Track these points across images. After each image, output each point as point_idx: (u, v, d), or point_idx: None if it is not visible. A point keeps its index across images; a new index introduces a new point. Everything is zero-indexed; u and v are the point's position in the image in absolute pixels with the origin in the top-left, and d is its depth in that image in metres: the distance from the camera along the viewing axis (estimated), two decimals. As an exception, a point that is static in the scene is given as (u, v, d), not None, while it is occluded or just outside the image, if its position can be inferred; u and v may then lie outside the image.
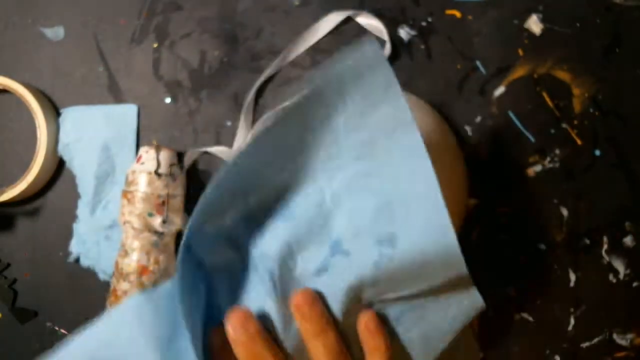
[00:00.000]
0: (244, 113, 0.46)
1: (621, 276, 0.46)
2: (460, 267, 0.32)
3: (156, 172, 0.43)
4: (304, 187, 0.34)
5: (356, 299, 0.34)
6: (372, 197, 0.33)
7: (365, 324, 0.34)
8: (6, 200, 0.46)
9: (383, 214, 0.33)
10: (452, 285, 0.34)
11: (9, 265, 0.48)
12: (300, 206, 0.34)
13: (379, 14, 0.46)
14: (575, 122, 0.47)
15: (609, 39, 0.46)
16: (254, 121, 0.47)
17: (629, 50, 0.46)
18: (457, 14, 0.46)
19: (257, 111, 0.47)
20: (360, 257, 0.33)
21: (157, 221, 0.43)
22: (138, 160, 0.44)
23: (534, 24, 0.46)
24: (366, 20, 0.47)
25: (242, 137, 0.47)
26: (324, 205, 0.34)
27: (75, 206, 0.48)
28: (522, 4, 0.46)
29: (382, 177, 0.34)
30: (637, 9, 0.46)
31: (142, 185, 0.43)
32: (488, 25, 0.46)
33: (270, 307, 0.33)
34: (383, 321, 0.34)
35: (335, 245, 0.34)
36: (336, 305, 0.33)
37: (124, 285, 0.43)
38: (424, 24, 0.46)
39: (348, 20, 0.47)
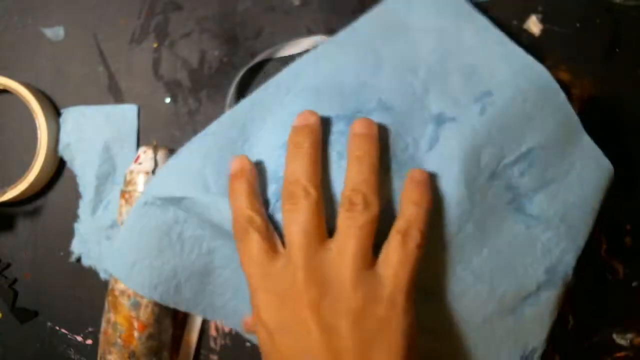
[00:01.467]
0: (227, 108, 0.46)
1: (620, 276, 0.46)
2: (561, 102, 0.38)
3: (154, 172, 0.43)
4: (393, 83, 0.39)
5: (476, 168, 0.36)
6: (457, 71, 0.39)
7: (411, 174, 0.35)
8: (7, 200, 0.46)
9: (472, 78, 0.38)
10: (566, 142, 0.38)
11: (9, 265, 0.49)
12: (395, 98, 0.38)
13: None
14: (575, 122, 0.47)
15: (609, 39, 0.46)
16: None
17: (629, 50, 0.46)
18: (457, 14, 0.46)
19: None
20: (466, 115, 0.37)
21: (156, 221, 0.43)
22: (136, 160, 0.44)
23: (533, 25, 0.46)
24: None
25: None
26: (416, 94, 0.38)
27: (75, 206, 0.48)
28: (521, 4, 0.46)
29: (459, 53, 0.39)
30: (637, 9, 0.46)
31: (140, 185, 0.43)
32: (488, 26, 0.46)
33: None
34: (519, 210, 0.37)
35: (439, 117, 0.37)
36: (455, 177, 0.36)
37: (121, 285, 0.43)
38: (423, 24, 0.47)
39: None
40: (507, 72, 0.39)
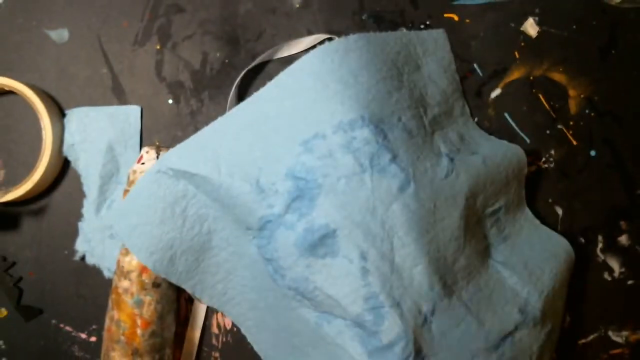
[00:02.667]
0: (228, 109, 0.47)
1: (616, 274, 0.47)
2: (519, 154, 0.43)
3: (158, 172, 0.43)
4: (410, 111, 0.41)
5: (472, 208, 0.41)
6: (454, 131, 0.44)
7: None
8: (12, 200, 0.46)
9: (464, 141, 0.44)
10: (517, 209, 0.45)
11: (14, 263, 0.49)
12: (412, 124, 0.41)
13: (378, 17, 0.47)
14: (571, 123, 0.47)
15: (605, 40, 0.47)
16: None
17: (624, 51, 0.47)
18: (455, 17, 0.47)
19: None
20: (471, 161, 0.41)
21: (159, 220, 0.43)
22: (139, 160, 0.44)
23: (530, 27, 0.46)
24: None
25: None
26: (426, 129, 0.41)
27: (79, 205, 0.48)
28: (519, 7, 0.46)
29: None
30: (633, 11, 0.46)
31: (145, 185, 0.43)
32: (485, 29, 0.47)
33: None
34: (490, 256, 0.42)
35: (450, 154, 0.41)
36: (459, 211, 0.39)
37: (124, 283, 0.43)
38: (422, 26, 0.47)
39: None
40: (489, 145, 0.45)
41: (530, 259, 0.42)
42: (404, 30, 0.47)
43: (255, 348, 0.45)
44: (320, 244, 0.37)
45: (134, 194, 0.41)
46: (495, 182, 0.42)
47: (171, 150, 0.41)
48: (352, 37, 0.40)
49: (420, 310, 0.37)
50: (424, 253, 0.37)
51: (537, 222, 0.45)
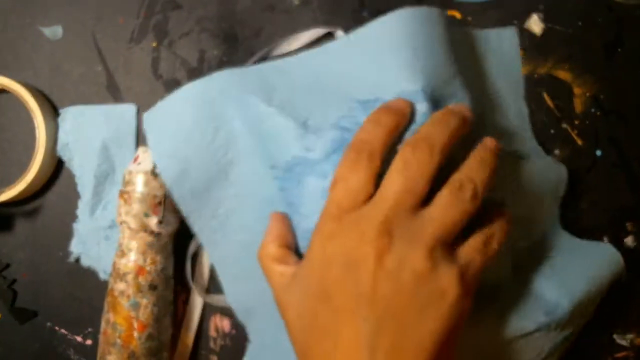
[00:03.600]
0: None
1: (622, 277, 0.46)
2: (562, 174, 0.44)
3: (152, 172, 0.43)
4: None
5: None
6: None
7: (485, 141, 0.35)
8: (5, 201, 0.46)
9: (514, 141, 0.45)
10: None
11: (8, 265, 0.49)
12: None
13: (379, 14, 0.46)
14: (576, 122, 0.46)
15: (611, 38, 0.46)
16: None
17: (630, 49, 0.46)
18: (458, 14, 0.46)
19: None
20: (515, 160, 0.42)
21: (153, 221, 0.43)
22: (135, 160, 0.44)
23: (535, 24, 0.46)
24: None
25: None
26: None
27: (74, 206, 0.48)
28: (523, 4, 0.46)
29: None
30: (639, 8, 0.46)
31: (139, 185, 0.43)
32: (488, 26, 0.46)
33: None
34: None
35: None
36: None
37: (120, 285, 0.43)
38: (424, 23, 0.46)
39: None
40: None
41: (560, 264, 0.41)
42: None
43: (229, 299, 0.43)
44: None
45: (178, 95, 0.40)
46: (532, 190, 0.42)
47: (226, 70, 0.40)
48: (433, 10, 0.39)
49: None
50: None
51: (567, 234, 0.45)
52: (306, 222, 0.37)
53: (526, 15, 0.46)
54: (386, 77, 0.37)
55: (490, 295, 0.39)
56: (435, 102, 0.37)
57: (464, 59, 0.42)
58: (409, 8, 0.38)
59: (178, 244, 0.46)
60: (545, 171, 0.43)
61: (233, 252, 0.42)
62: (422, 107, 0.36)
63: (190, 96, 0.40)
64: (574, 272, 0.41)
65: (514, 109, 0.45)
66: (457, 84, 0.39)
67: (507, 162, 0.41)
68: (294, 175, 0.38)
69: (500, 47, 0.45)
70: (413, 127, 0.36)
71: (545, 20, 0.46)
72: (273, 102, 0.38)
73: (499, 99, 0.45)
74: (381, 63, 0.38)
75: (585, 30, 0.46)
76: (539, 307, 0.39)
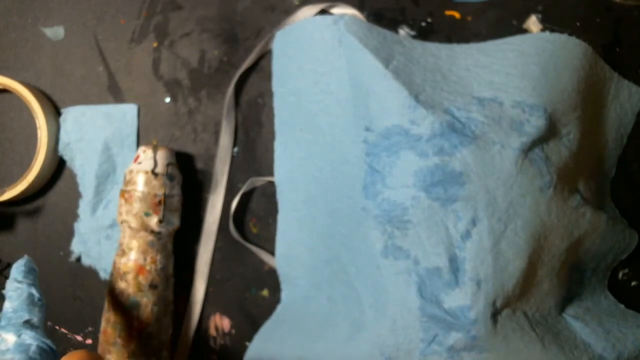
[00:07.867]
0: (225, 107, 0.46)
1: (620, 276, 0.46)
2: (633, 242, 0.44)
3: (153, 172, 0.43)
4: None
5: (574, 250, 0.41)
6: None
7: None
8: (7, 200, 0.46)
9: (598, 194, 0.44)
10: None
11: (9, 264, 0.49)
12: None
13: (379, 14, 0.46)
14: (575, 122, 0.46)
15: (609, 38, 0.46)
16: (236, 116, 0.47)
17: (629, 50, 0.46)
18: (457, 14, 0.46)
19: (240, 105, 0.47)
20: (596, 211, 0.42)
21: (153, 221, 0.43)
22: (135, 159, 0.44)
23: (533, 24, 0.46)
24: (342, 12, 0.46)
25: (227, 133, 0.46)
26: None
27: (75, 205, 0.48)
28: (522, 4, 0.46)
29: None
30: (637, 9, 0.46)
31: (140, 184, 0.43)
32: (487, 26, 0.46)
33: None
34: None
35: (584, 192, 0.42)
36: (570, 241, 0.39)
37: (121, 285, 0.43)
38: (423, 24, 0.46)
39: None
40: None
41: (608, 322, 0.41)
42: (406, 29, 0.46)
43: (279, 242, 0.44)
44: (440, 186, 0.37)
45: (306, 22, 0.42)
46: (603, 245, 0.42)
47: (355, 17, 0.41)
48: (575, 40, 0.40)
49: (494, 302, 0.37)
50: (527, 254, 0.37)
51: (616, 301, 0.45)
52: (390, 193, 0.37)
53: (525, 15, 0.46)
54: (510, 84, 0.38)
55: (536, 327, 0.39)
56: (552, 124, 0.38)
57: (592, 95, 0.42)
58: (550, 33, 0.40)
59: (178, 243, 0.47)
60: (618, 232, 0.43)
61: (300, 198, 0.43)
62: (539, 122, 0.37)
63: (316, 29, 0.41)
64: (620, 330, 0.41)
65: (607, 164, 0.45)
66: (574, 116, 0.39)
67: (588, 211, 0.41)
68: (390, 144, 0.38)
69: (629, 101, 0.45)
70: (525, 139, 0.37)
71: (543, 20, 0.46)
72: (391, 66, 0.38)
73: (605, 149, 0.45)
74: (509, 70, 0.39)
75: (583, 30, 0.46)
76: (583, 353, 0.39)
